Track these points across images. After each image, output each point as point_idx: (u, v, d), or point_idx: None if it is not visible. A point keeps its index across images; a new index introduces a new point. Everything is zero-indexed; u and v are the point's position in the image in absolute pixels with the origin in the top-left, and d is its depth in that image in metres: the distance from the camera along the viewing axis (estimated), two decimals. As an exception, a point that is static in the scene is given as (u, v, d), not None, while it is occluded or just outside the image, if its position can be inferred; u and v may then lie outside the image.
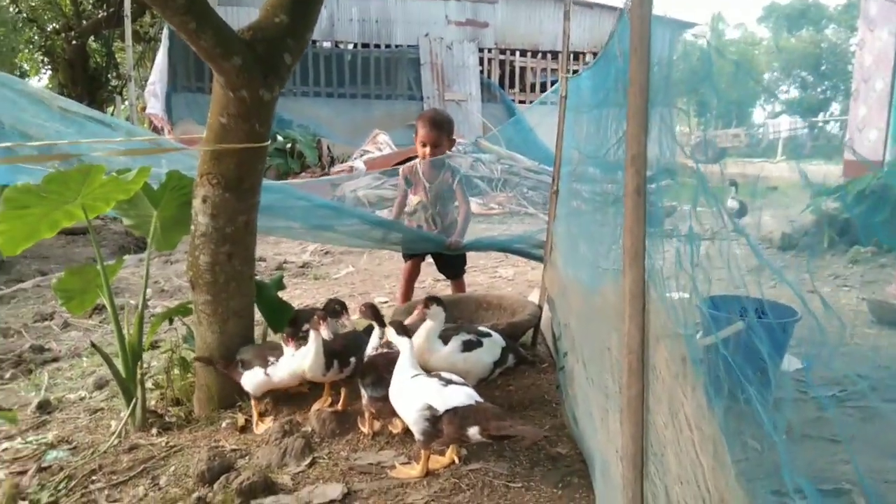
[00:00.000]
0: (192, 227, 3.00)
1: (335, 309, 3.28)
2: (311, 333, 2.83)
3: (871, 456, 2.61)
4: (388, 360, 2.68)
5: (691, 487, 0.95)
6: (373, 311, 2.94)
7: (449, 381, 2.46)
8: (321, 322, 2.76)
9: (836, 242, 6.48)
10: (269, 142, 2.92)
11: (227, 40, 2.60)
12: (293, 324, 3.17)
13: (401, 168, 4.53)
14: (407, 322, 2.85)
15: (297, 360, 2.90)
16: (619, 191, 1.38)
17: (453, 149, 4.47)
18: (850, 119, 8.43)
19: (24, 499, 2.59)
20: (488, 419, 2.25)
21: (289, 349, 2.95)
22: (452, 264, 4.47)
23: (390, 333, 2.61)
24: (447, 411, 2.31)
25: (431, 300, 2.95)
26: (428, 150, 4.19)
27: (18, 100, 3.41)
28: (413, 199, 4.37)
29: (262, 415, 3.07)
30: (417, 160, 4.34)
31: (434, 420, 2.32)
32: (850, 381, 3.26)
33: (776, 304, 3.18)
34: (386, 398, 2.58)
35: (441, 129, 4.20)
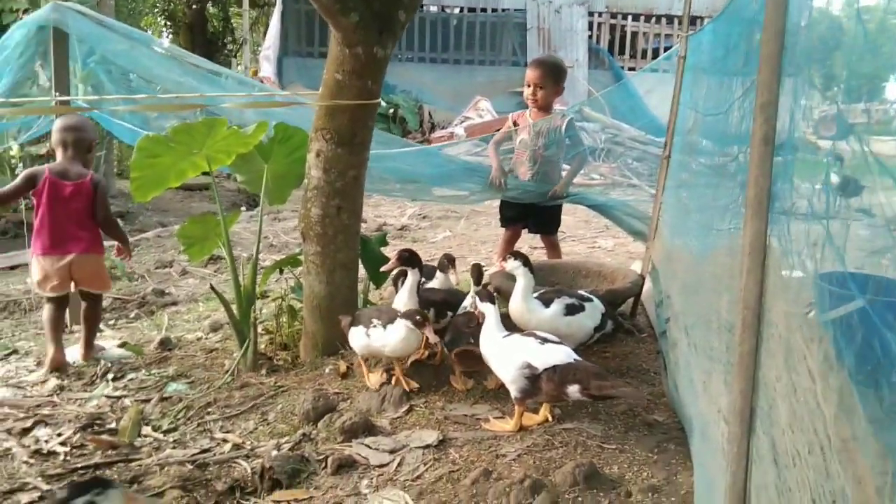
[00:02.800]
0: (306, 181, 3.13)
1: (444, 262, 3.46)
2: (402, 321, 2.74)
3: None
4: (468, 318, 2.80)
5: (806, 435, 0.94)
6: (476, 271, 3.03)
7: (545, 340, 2.48)
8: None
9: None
10: (379, 99, 3.00)
11: (346, -4, 2.66)
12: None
13: (511, 114, 4.57)
14: (490, 274, 2.91)
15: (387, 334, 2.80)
16: (743, 145, 1.33)
17: (556, 108, 4.43)
18: None
19: (147, 424, 2.85)
20: (589, 378, 2.25)
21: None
22: (545, 220, 4.46)
23: (512, 264, 2.70)
24: (546, 369, 2.33)
25: (511, 254, 3.00)
26: (531, 90, 4.21)
27: (156, 57, 3.67)
28: (517, 140, 4.40)
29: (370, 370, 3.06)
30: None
31: (533, 378, 2.34)
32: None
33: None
34: (465, 352, 2.69)
35: (549, 72, 4.20)
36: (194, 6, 17.56)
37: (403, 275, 3.25)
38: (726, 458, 1.24)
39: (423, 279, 3.47)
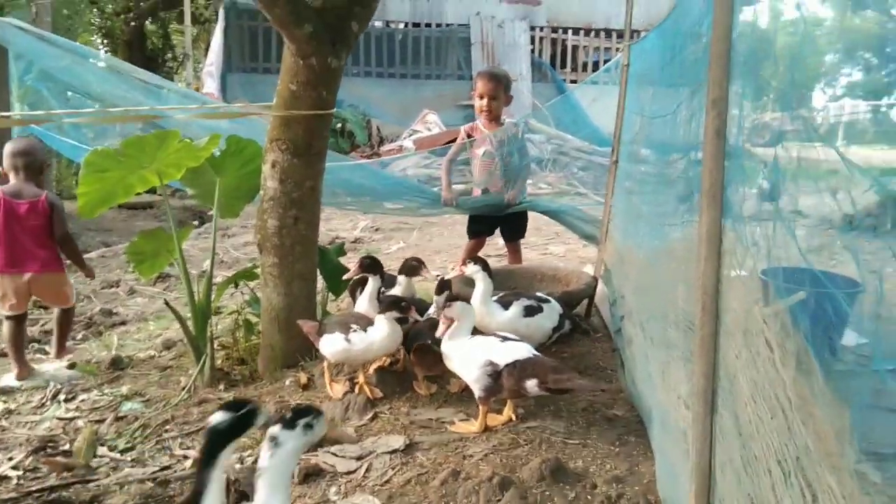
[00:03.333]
0: (261, 192, 3.11)
1: (413, 265, 3.45)
2: (385, 314, 2.75)
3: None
4: (430, 324, 2.83)
5: (768, 402, 1.00)
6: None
7: (506, 339, 2.53)
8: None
9: (901, 224, 6.27)
10: (334, 109, 3.01)
11: (300, 8, 2.69)
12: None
13: (462, 127, 4.61)
14: (448, 277, 2.95)
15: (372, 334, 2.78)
16: (693, 143, 1.41)
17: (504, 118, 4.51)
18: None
19: (102, 444, 2.77)
20: (546, 372, 2.31)
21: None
22: (516, 226, 4.55)
23: (472, 268, 2.76)
24: (507, 365, 2.37)
25: (471, 259, 3.06)
26: (485, 102, 4.25)
27: (99, 72, 3.60)
28: (478, 153, 4.42)
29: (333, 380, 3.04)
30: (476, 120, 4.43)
31: (496, 375, 2.38)
32: (914, 356, 3.19)
33: (838, 277, 3.14)
34: (423, 347, 2.79)
35: (499, 82, 4.28)
36: (132, 23, 17.17)
37: (361, 285, 3.25)
38: (689, 440, 1.30)
39: (384, 287, 3.48)
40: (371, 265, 3.13)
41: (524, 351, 2.42)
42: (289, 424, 1.53)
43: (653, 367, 2.17)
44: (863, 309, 3.24)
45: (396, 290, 3.56)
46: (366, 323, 2.79)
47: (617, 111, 3.61)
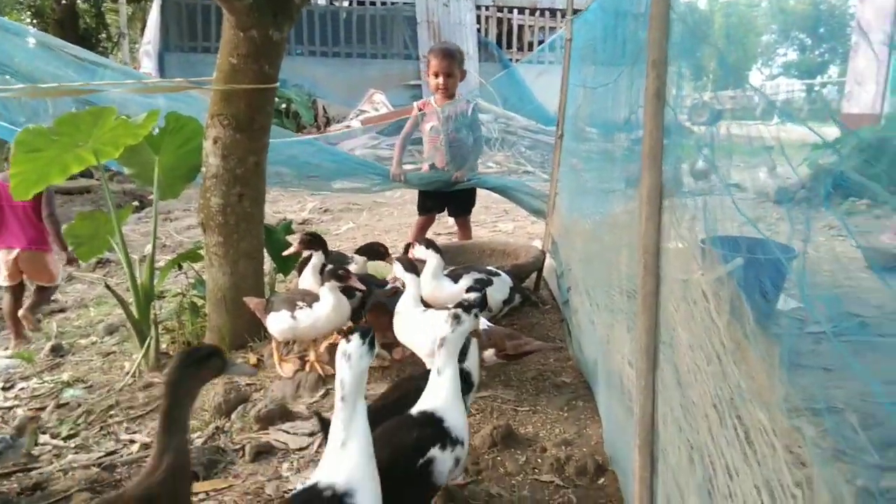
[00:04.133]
0: (203, 169, 3.04)
1: (380, 251, 3.46)
2: (327, 285, 2.74)
3: (861, 382, 2.72)
4: (389, 291, 2.91)
5: (704, 351, 1.04)
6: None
7: None
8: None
9: (832, 195, 6.55)
10: (278, 83, 2.95)
11: (238, -22, 2.61)
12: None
13: (416, 103, 4.59)
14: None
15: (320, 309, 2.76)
16: (634, 107, 1.43)
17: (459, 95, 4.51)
18: (849, 73, 8.46)
19: (44, 432, 2.68)
20: (502, 339, 2.34)
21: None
22: (463, 202, 4.55)
23: (398, 269, 2.69)
24: None
25: (417, 241, 3.10)
26: (441, 80, 4.23)
27: (30, 49, 3.44)
28: (426, 128, 4.42)
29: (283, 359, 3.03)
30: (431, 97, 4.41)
31: None
32: (844, 318, 3.36)
33: (774, 243, 3.26)
34: (378, 307, 2.86)
35: (453, 58, 4.26)
36: (64, 1, 16.39)
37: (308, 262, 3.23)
38: (633, 396, 1.34)
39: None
40: (312, 241, 3.12)
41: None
42: (363, 336, 1.52)
43: (599, 332, 2.22)
44: (797, 275, 3.39)
45: (351, 268, 3.55)
46: (311, 299, 2.76)
47: (562, 85, 3.65)
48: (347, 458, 1.40)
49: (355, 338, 1.48)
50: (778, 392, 0.85)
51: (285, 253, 3.26)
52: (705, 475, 1.05)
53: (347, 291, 2.83)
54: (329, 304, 2.70)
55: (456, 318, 1.72)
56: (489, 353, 2.35)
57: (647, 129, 1.20)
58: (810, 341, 3.00)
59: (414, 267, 2.70)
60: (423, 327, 2.50)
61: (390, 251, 3.51)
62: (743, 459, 0.91)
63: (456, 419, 1.69)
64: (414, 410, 1.73)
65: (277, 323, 2.79)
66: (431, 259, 2.99)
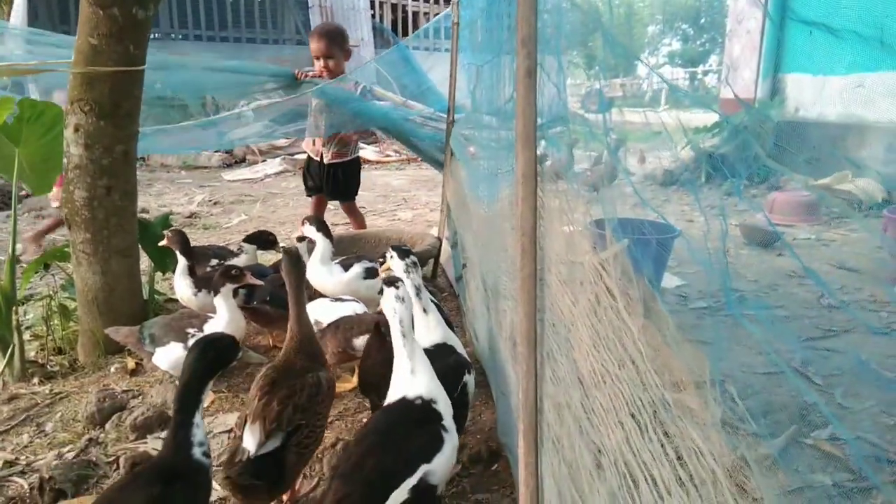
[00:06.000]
0: (65, 160, 2.78)
1: (270, 240, 3.38)
2: (222, 292, 2.53)
3: (740, 354, 2.86)
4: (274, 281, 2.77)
5: (614, 352, 0.99)
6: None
7: (339, 300, 2.47)
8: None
9: (713, 176, 6.92)
10: (144, 66, 2.74)
11: (93, -51, 2.39)
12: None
13: (295, 70, 4.34)
14: (294, 236, 2.94)
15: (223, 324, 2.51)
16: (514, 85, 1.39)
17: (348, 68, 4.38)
18: (724, 58, 8.94)
19: None
20: (373, 325, 2.22)
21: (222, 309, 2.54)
22: (339, 186, 4.42)
23: (308, 229, 2.65)
24: (330, 324, 2.31)
25: (306, 218, 2.99)
26: (322, 62, 4.11)
27: None
28: (312, 103, 4.28)
29: None
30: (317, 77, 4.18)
31: (320, 334, 2.29)
32: (723, 293, 3.53)
33: (658, 224, 3.38)
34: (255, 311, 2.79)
35: (333, 40, 4.13)
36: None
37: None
38: (517, 377, 1.31)
39: (220, 260, 3.35)
40: (177, 239, 3.00)
41: (349, 311, 2.37)
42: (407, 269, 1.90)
43: (492, 318, 2.20)
44: (681, 255, 3.53)
45: (241, 260, 3.39)
46: (200, 322, 2.53)
47: (451, 69, 3.60)
48: (420, 379, 1.65)
49: (406, 283, 1.80)
50: (713, 412, 0.81)
51: (160, 244, 3.07)
52: (621, 484, 1.00)
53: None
54: (224, 320, 2.48)
55: (401, 299, 1.74)
56: (360, 341, 2.27)
57: (520, 109, 1.16)
58: (693, 317, 3.13)
59: (325, 227, 2.80)
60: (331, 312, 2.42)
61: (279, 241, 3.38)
62: (675, 480, 0.86)
63: (459, 346, 2.02)
64: (425, 345, 1.92)
65: (168, 358, 2.51)
66: (320, 242, 2.89)
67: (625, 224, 3.27)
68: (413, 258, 2.09)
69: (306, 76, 4.13)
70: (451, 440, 1.59)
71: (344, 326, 2.29)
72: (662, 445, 0.93)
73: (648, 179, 7.42)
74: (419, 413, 1.60)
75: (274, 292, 2.80)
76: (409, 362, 1.65)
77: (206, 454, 1.55)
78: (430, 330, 2.01)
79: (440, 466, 1.52)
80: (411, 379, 1.64)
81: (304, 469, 1.94)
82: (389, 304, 1.69)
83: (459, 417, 1.79)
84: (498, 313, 2.11)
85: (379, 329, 2.13)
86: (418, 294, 2.02)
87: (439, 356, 1.88)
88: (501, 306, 2.00)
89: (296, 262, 2.01)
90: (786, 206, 5.99)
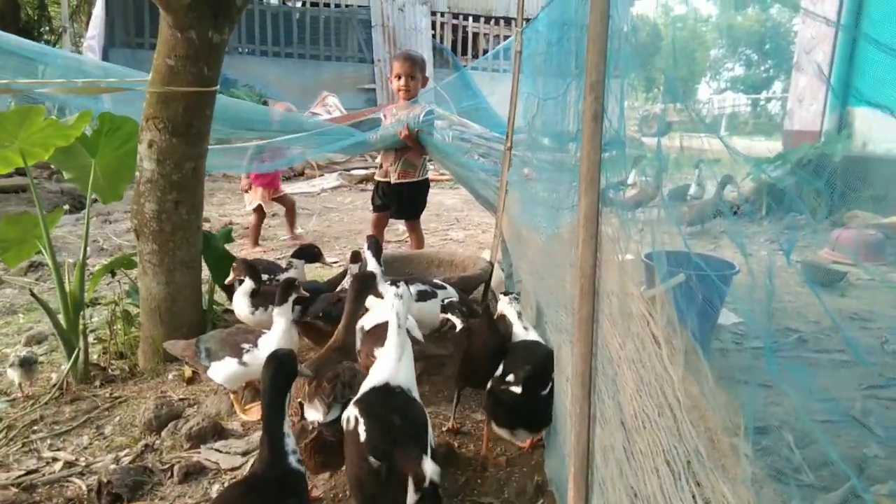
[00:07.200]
0: (137, 174, 2.91)
1: (315, 252, 3.50)
2: (285, 304, 2.57)
3: (799, 399, 2.76)
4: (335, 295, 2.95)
5: (655, 398, 0.99)
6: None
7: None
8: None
9: (774, 209, 6.74)
10: (217, 87, 2.85)
11: (175, -24, 2.51)
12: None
13: (382, 108, 4.83)
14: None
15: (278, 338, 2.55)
16: (579, 126, 1.40)
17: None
18: (790, 91, 8.73)
19: (-40, 450, 2.52)
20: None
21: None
22: (405, 206, 4.63)
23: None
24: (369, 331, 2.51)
25: (369, 237, 3.14)
26: (402, 81, 4.40)
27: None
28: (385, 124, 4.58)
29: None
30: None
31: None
32: (783, 334, 3.43)
33: (716, 259, 3.31)
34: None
35: (415, 62, 4.43)
36: (2, -8, 15.72)
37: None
38: (571, 420, 1.30)
39: (272, 275, 3.42)
40: (246, 270, 3.08)
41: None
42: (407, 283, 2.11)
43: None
44: (738, 290, 3.45)
45: (290, 274, 3.47)
46: (255, 337, 2.57)
47: (511, 97, 3.63)
48: (403, 368, 1.87)
49: (403, 285, 2.00)
50: (745, 469, 0.80)
51: (226, 282, 3.24)
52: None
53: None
54: (278, 334, 2.52)
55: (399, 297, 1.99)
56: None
57: (585, 152, 1.17)
58: (750, 357, 3.04)
59: (379, 249, 3.00)
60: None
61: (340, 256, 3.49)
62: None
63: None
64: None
65: (223, 373, 2.55)
66: (369, 261, 2.98)
67: (680, 258, 3.22)
68: (515, 295, 2.59)
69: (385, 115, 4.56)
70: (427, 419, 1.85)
71: (378, 333, 2.37)
72: (693, 496, 0.92)
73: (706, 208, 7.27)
74: (401, 399, 1.83)
75: (327, 309, 2.87)
76: (399, 350, 1.88)
77: (300, 461, 1.66)
78: (530, 335, 2.39)
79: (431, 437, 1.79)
80: (396, 366, 1.87)
81: None
82: (389, 301, 1.94)
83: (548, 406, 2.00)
84: (552, 344, 2.10)
85: (489, 312, 2.54)
86: (520, 317, 2.48)
87: (533, 347, 2.23)
88: (555, 339, 2.00)
89: (363, 286, 2.31)
90: (850, 243, 5.78)
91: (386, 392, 1.82)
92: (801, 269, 4.90)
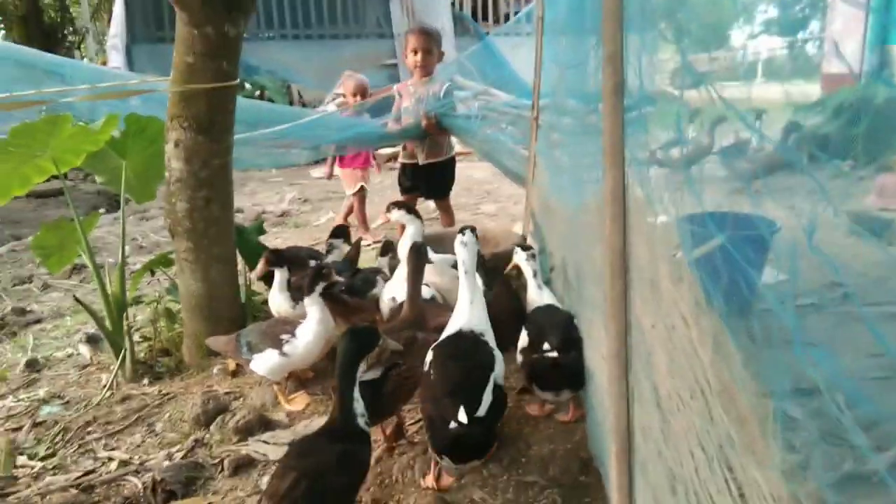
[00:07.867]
0: (167, 174, 2.94)
1: (345, 232, 3.60)
2: (315, 292, 2.60)
3: (848, 357, 2.68)
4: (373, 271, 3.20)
5: (686, 381, 0.97)
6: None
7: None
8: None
9: (816, 157, 6.50)
10: (238, 80, 2.84)
11: (186, -27, 2.50)
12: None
13: (395, 85, 4.73)
14: (373, 226, 3.17)
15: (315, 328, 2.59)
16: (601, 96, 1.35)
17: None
18: (826, 32, 8.35)
19: (21, 453, 2.61)
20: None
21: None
22: (434, 185, 4.65)
23: (397, 214, 3.06)
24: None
25: (393, 204, 3.16)
26: (419, 57, 4.34)
27: None
28: (401, 108, 4.56)
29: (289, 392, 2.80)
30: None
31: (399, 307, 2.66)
32: (829, 289, 3.32)
33: (757, 217, 3.20)
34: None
35: (430, 37, 4.38)
36: (25, -4, 15.95)
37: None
38: (609, 399, 1.28)
39: (314, 260, 3.46)
40: (276, 259, 3.06)
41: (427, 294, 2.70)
42: (472, 230, 2.32)
43: (582, 324, 2.16)
44: (781, 246, 3.34)
45: (334, 256, 3.51)
46: (292, 327, 2.60)
47: (535, 66, 3.54)
48: (475, 312, 2.09)
49: (468, 232, 2.27)
50: (774, 454, 0.78)
51: (255, 275, 3.22)
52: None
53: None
54: (314, 321, 2.55)
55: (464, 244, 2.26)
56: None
57: (607, 127, 1.13)
58: (794, 315, 2.95)
59: (415, 210, 3.09)
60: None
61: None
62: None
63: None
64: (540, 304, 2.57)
65: (265, 365, 2.59)
66: (409, 224, 3.01)
67: (719, 219, 3.13)
68: (532, 251, 2.73)
69: (400, 91, 4.53)
70: (499, 355, 2.06)
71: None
72: (727, 481, 0.91)
73: (741, 163, 7.07)
74: (470, 342, 2.04)
75: (347, 283, 3.02)
76: (471, 294, 2.08)
77: (367, 423, 1.85)
78: (544, 298, 2.56)
79: (500, 372, 2.00)
80: (469, 310, 2.07)
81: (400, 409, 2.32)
82: (457, 248, 2.20)
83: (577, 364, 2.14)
84: (584, 321, 2.07)
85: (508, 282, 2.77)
86: (535, 275, 2.63)
87: (552, 312, 2.40)
88: (588, 314, 1.97)
89: (419, 255, 2.44)
90: (896, 189, 5.55)
91: (458, 338, 2.04)
92: (847, 219, 4.74)
